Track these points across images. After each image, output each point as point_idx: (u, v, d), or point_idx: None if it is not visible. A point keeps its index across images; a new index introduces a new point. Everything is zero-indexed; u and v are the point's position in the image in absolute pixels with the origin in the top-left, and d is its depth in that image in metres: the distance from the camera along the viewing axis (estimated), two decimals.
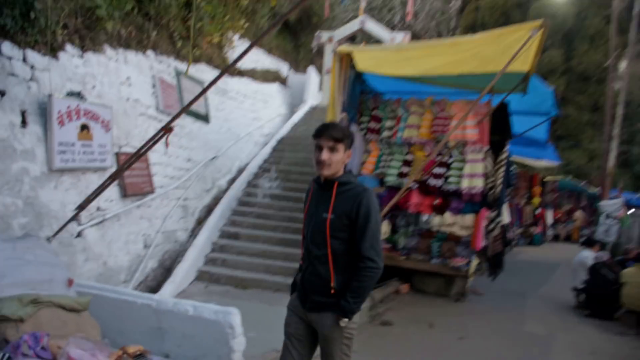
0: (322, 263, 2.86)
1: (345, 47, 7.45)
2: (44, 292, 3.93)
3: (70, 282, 4.27)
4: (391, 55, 7.19)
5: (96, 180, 5.98)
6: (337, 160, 2.83)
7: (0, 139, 4.84)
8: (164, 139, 4.26)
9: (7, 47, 5.07)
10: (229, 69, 3.84)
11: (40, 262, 4.20)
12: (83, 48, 6.24)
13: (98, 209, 6.18)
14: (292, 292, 3.22)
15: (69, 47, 5.98)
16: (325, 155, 2.80)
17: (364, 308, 6.30)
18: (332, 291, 2.83)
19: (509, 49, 6.09)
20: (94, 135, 6.07)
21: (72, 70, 5.97)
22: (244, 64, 12.73)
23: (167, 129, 4.12)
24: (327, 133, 2.81)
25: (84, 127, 5.89)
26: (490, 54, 6.38)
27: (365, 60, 7.20)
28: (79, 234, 5.79)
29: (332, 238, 2.82)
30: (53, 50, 5.69)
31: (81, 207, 4.74)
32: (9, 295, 3.69)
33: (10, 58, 5.09)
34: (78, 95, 5.93)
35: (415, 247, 8.05)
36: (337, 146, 2.81)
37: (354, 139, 2.97)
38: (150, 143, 4.29)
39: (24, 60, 5.27)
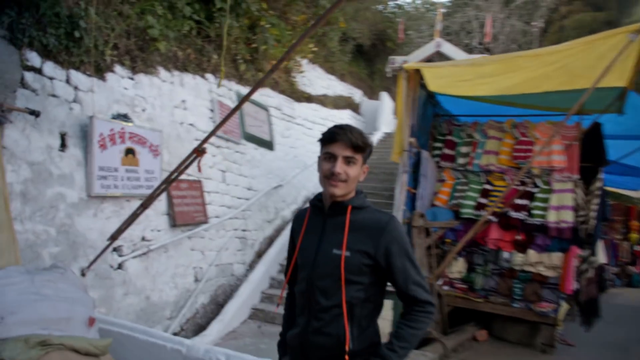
0: (332, 317, 2.10)
1: (413, 64, 6.78)
2: (58, 332, 3.49)
3: (91, 322, 3.81)
4: (465, 72, 6.42)
5: None
6: (353, 176, 2.11)
7: (34, 162, 4.55)
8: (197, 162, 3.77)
9: (49, 67, 4.82)
10: (262, 82, 3.34)
11: (60, 297, 3.77)
12: (134, 69, 5.97)
13: (143, 239, 5.79)
14: (281, 356, 2.41)
15: (118, 68, 5.71)
16: (340, 167, 2.07)
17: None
18: (347, 356, 2.06)
19: (602, 59, 5.21)
20: (141, 160, 5.74)
21: (121, 92, 5.69)
22: (314, 89, 12.33)
23: (198, 151, 3.64)
24: (344, 138, 2.07)
25: (129, 152, 5.56)
26: (579, 66, 5.52)
27: (436, 79, 6.48)
28: (119, 266, 5.41)
29: (349, 283, 2.07)
30: (100, 71, 5.43)
31: (113, 237, 4.34)
32: (15, 336, 3.27)
33: (52, 78, 4.84)
34: (124, 117, 5.62)
35: (495, 289, 7.10)
36: (355, 157, 2.09)
37: (372, 151, 2.23)
38: (182, 167, 3.82)
39: (67, 81, 5.01)
